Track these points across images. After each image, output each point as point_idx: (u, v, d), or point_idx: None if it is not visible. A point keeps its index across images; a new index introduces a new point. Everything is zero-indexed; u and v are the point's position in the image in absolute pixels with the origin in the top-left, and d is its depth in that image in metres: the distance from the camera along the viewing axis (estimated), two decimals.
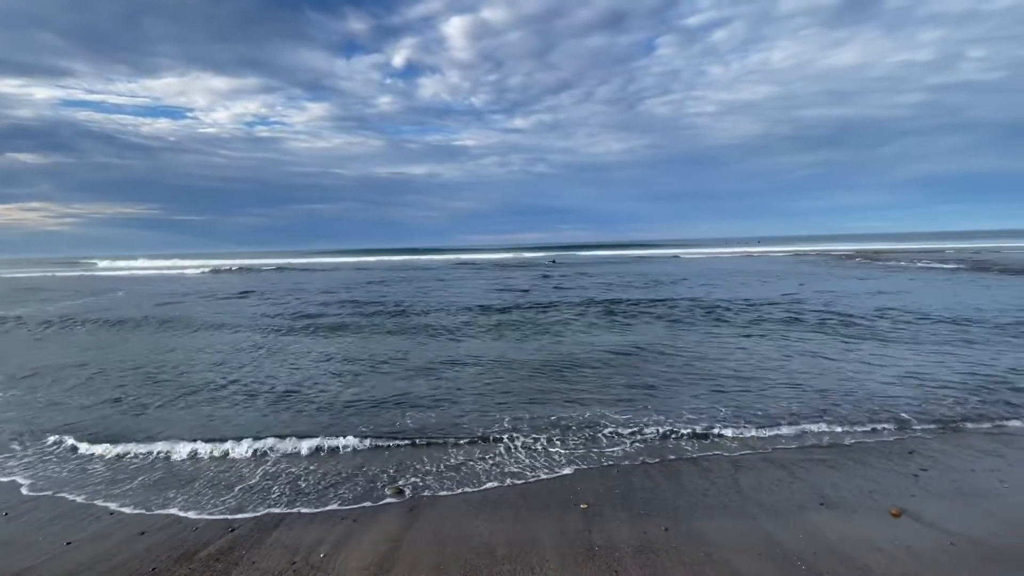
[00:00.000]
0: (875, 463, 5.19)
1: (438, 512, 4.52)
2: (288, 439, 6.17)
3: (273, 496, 4.92)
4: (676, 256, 52.93)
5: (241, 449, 5.99)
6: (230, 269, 47.12)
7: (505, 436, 6.13)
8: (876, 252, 48.33)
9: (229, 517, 4.57)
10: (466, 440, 6.08)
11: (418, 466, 5.45)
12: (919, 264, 31.42)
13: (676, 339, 11.02)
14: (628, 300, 17.55)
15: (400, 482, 5.10)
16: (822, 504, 4.44)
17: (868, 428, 6.07)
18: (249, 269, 47.24)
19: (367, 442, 6.11)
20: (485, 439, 6.08)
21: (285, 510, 4.65)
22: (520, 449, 5.81)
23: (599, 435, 6.11)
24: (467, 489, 4.93)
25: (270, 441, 6.13)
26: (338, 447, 6.00)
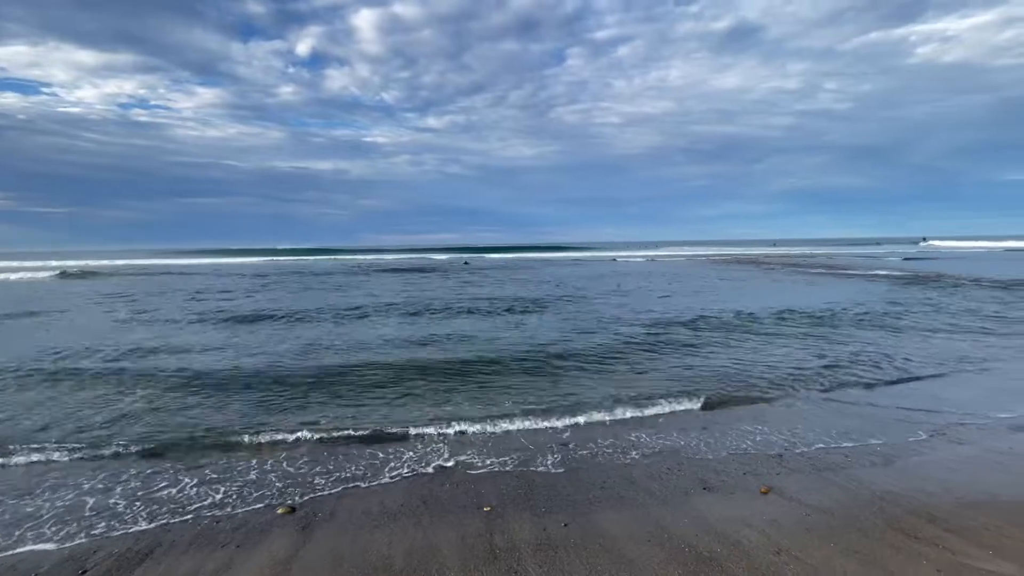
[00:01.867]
0: (750, 448, 5.76)
1: (334, 527, 4.26)
2: (152, 457, 5.49)
3: (139, 524, 4.33)
4: (615, 259, 54.07)
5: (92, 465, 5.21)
6: (82, 272, 36.81)
7: (408, 441, 5.96)
8: (774, 256, 54.27)
9: (79, 552, 3.94)
10: (367, 448, 5.81)
11: (312, 478, 5.11)
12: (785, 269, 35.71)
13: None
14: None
15: (291, 497, 4.74)
16: (705, 488, 4.82)
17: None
18: (111, 273, 40.80)
19: (254, 455, 5.61)
20: (386, 443, 5.86)
21: (152, 541, 4.10)
22: (423, 454, 5.67)
23: (507, 434, 6.15)
24: (366, 500, 4.71)
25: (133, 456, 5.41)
26: (217, 461, 5.44)
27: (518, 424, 6.44)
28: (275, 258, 71.00)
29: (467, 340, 11.33)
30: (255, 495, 4.82)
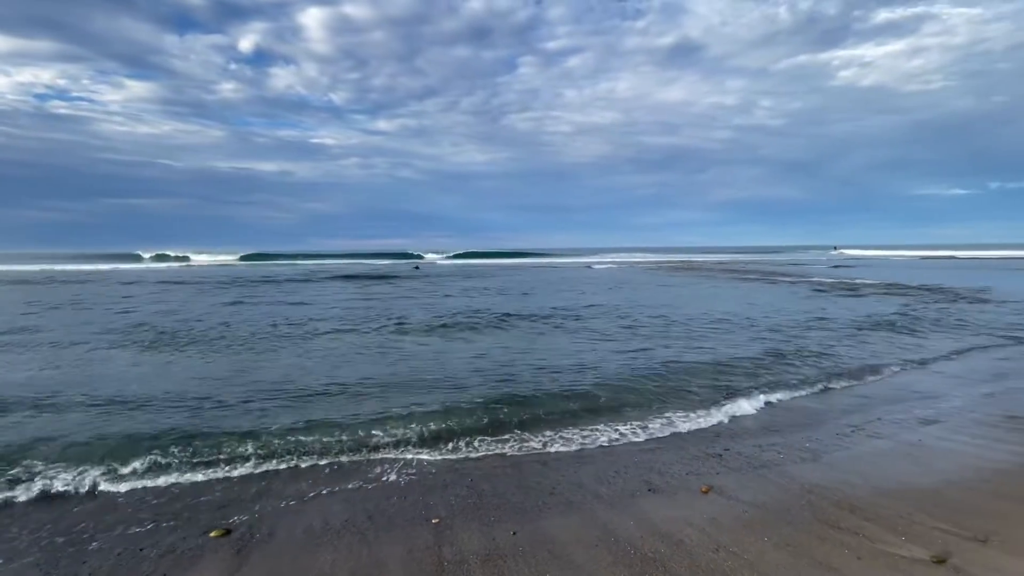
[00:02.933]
0: (692, 447, 5.99)
1: (273, 548, 4.05)
2: (70, 469, 5.03)
3: (51, 559, 3.93)
4: (589, 266, 53.90)
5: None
6: None
7: (352, 453, 5.77)
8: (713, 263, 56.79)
9: None
10: (309, 462, 5.58)
11: (250, 497, 4.84)
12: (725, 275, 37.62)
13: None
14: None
15: (227, 519, 4.47)
16: (650, 490, 4.96)
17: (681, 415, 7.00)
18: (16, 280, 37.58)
19: (185, 475, 5.26)
20: (331, 457, 5.65)
21: (65, 573, 3.74)
22: (368, 466, 5.51)
23: (458, 444, 6.09)
24: (307, 517, 4.51)
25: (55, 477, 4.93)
26: (146, 484, 5.06)
27: (465, 440, 6.38)
28: (212, 260, 67.11)
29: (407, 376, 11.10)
30: (185, 517, 4.51)
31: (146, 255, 73.14)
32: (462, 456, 5.84)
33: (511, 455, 5.86)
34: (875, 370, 9.39)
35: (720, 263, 57.57)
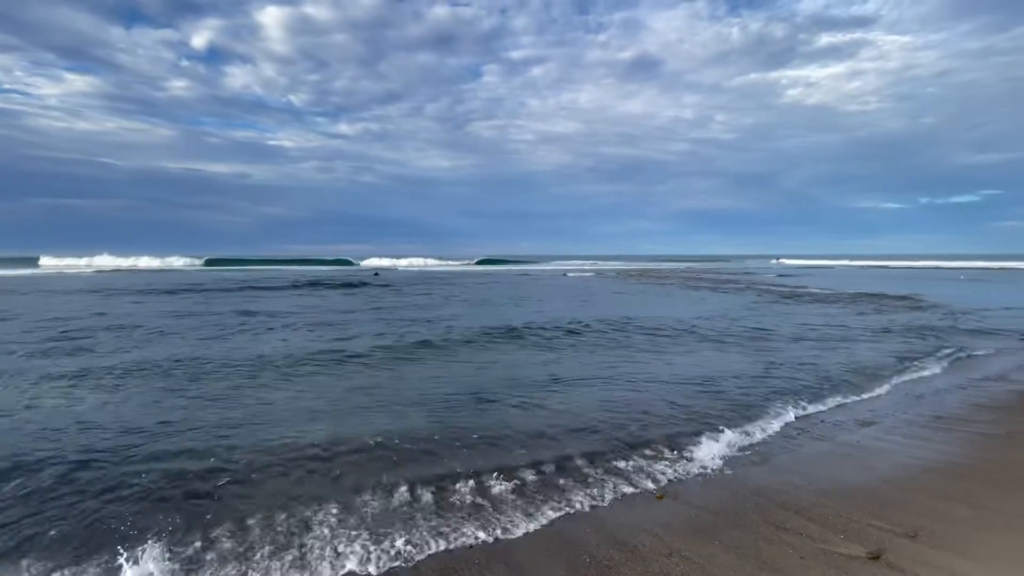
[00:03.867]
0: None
1: None
2: None
3: None
4: (565, 274, 53.36)
5: None
6: None
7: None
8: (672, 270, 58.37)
9: None
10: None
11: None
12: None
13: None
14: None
15: None
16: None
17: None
18: None
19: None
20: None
21: None
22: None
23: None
24: None
25: None
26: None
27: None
28: (161, 262, 63.54)
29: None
30: None
31: (49, 260, 65.46)
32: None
33: None
34: (821, 374, 9.88)
35: (690, 271, 59.55)
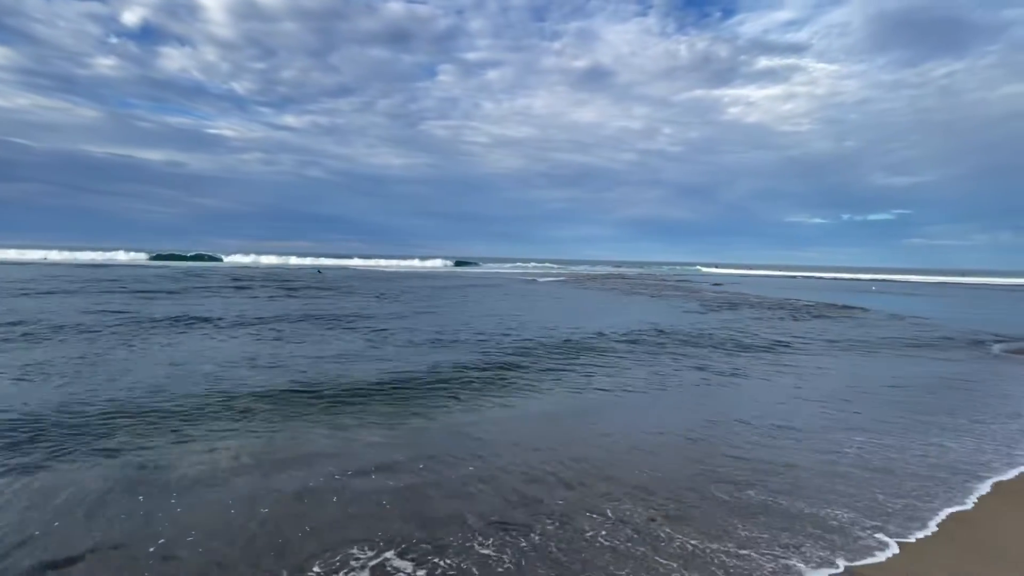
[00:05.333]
0: None
1: None
2: None
3: None
4: (535, 280, 51.53)
5: None
6: None
7: None
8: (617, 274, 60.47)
9: None
10: None
11: None
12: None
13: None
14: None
15: None
16: None
17: None
18: None
19: None
20: None
21: None
22: None
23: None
24: None
25: None
26: None
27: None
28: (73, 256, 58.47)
29: None
30: None
31: None
32: None
33: None
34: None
35: (640, 276, 61.72)
